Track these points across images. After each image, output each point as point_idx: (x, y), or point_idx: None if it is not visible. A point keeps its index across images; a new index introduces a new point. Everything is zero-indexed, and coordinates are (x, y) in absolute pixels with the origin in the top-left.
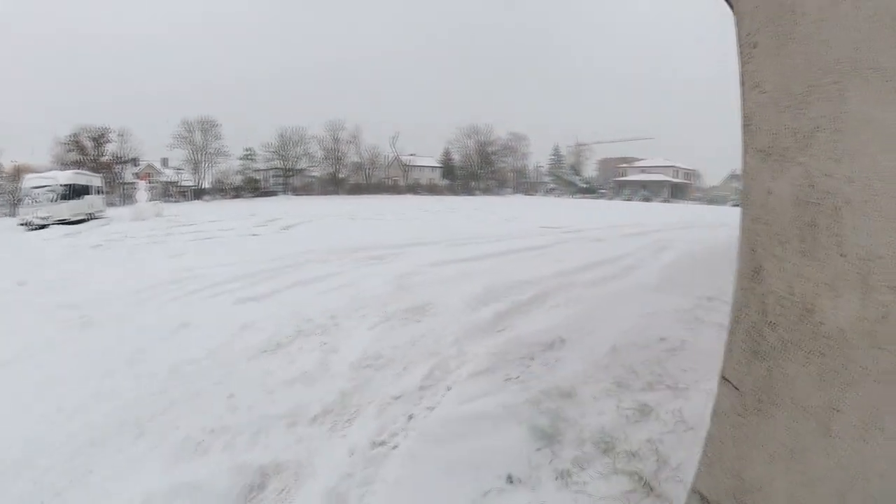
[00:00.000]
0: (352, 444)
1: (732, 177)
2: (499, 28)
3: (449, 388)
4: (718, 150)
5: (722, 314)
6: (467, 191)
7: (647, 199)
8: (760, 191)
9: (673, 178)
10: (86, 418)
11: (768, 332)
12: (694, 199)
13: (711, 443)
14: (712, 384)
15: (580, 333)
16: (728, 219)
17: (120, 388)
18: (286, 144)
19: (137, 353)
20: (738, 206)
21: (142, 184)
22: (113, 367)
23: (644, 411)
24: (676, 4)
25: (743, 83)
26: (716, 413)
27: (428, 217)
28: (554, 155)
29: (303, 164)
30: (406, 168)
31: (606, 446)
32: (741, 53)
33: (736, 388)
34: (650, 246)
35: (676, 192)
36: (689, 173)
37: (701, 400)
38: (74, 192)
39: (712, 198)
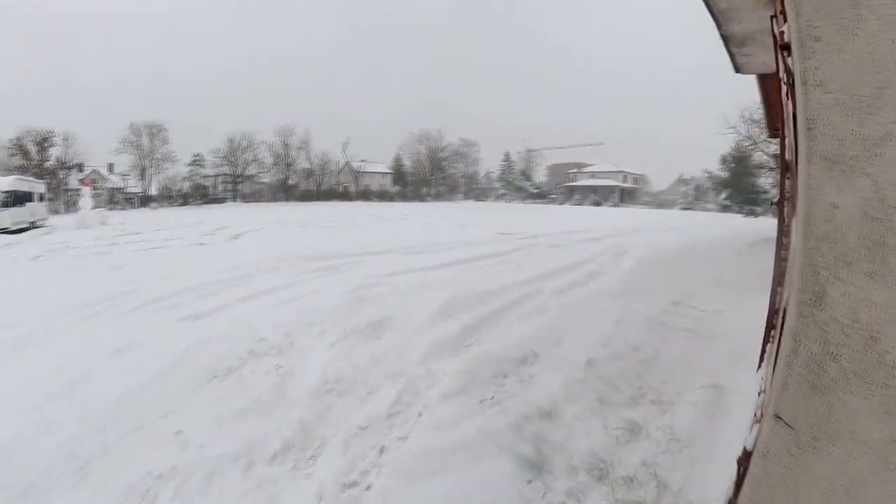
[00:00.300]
0: (319, 486)
1: (680, 181)
2: (451, 36)
3: (420, 414)
4: (666, 155)
5: (689, 319)
6: (418, 197)
7: (597, 204)
8: (824, 205)
9: (622, 182)
10: (17, 461)
11: (830, 364)
12: (643, 204)
13: (758, 486)
14: (695, 395)
15: (552, 346)
16: (675, 223)
17: (58, 422)
18: (235, 150)
19: (78, 380)
20: (687, 209)
21: (86, 190)
22: (49, 396)
23: (633, 430)
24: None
25: (804, 81)
26: (764, 454)
27: (381, 224)
28: (505, 160)
29: (252, 171)
30: (357, 174)
31: (601, 473)
32: (801, 47)
33: (790, 426)
34: (608, 251)
35: (625, 196)
36: (638, 178)
37: (688, 413)
38: (16, 199)
39: (661, 202)
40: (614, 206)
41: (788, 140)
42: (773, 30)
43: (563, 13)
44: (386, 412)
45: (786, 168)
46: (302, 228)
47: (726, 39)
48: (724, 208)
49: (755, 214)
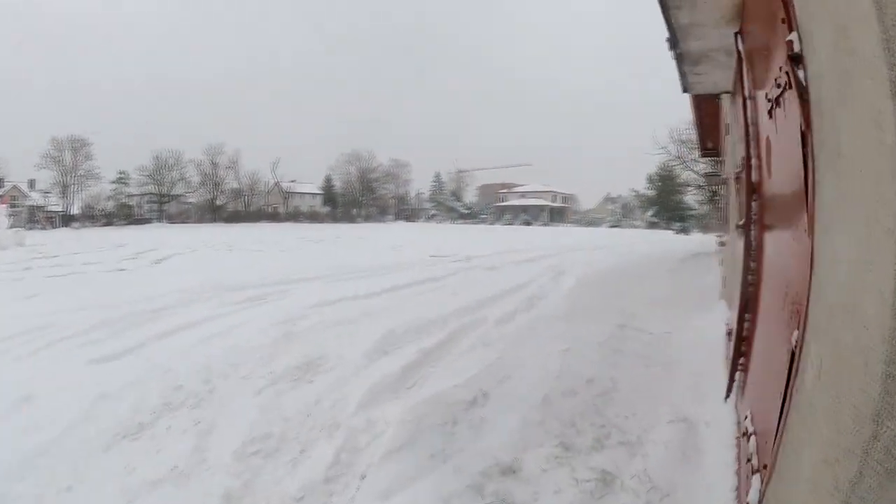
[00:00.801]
0: None
1: (607, 199)
2: (383, 54)
3: (363, 476)
4: (594, 175)
5: (639, 344)
6: (349, 218)
7: (527, 223)
8: None
9: (551, 202)
10: None
11: None
12: (572, 222)
13: None
14: (664, 433)
15: (502, 382)
16: (606, 240)
17: None
18: (161, 168)
19: None
20: (615, 226)
21: (2, 208)
22: None
23: (606, 481)
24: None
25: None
26: None
27: (311, 247)
28: (435, 181)
29: (179, 190)
30: (286, 195)
31: None
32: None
33: None
34: (546, 272)
35: (555, 215)
36: (567, 197)
37: (661, 455)
38: None
39: (589, 220)
40: (544, 224)
41: (758, 161)
42: (736, 46)
43: (497, 35)
44: (323, 476)
45: (752, 189)
46: (229, 252)
47: (680, 57)
48: (652, 225)
49: (686, 231)
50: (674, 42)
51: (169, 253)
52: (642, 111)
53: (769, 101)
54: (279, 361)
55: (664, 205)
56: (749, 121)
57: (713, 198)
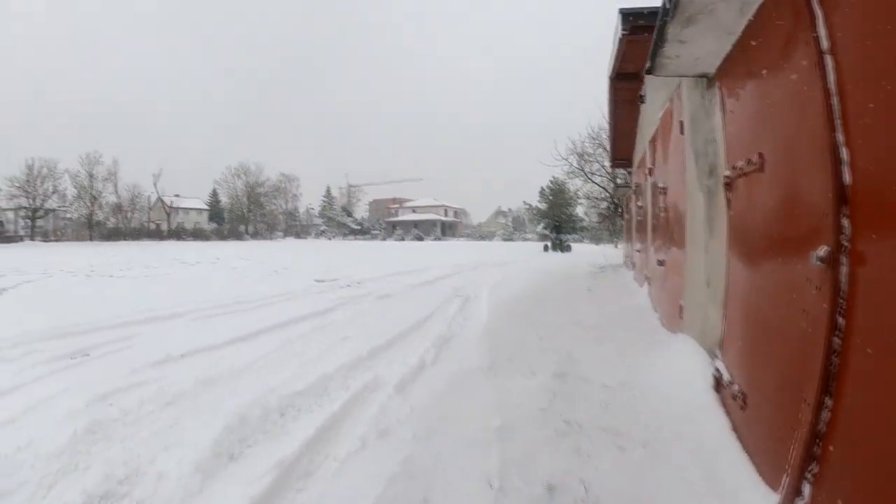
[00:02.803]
0: None
1: (498, 213)
2: (280, 67)
3: None
4: (484, 188)
5: (596, 408)
6: (236, 235)
7: (419, 238)
8: None
9: (443, 216)
10: None
11: None
12: (464, 236)
13: None
14: None
15: None
16: (503, 254)
17: None
18: (34, 179)
19: None
20: (508, 240)
21: None
22: None
23: None
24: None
25: None
26: None
27: (182, 272)
28: (326, 196)
29: (53, 204)
30: (170, 210)
31: None
32: None
33: None
34: (450, 299)
35: (447, 229)
36: (458, 211)
37: None
38: None
39: (482, 234)
40: (436, 239)
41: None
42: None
43: (391, 51)
44: None
45: (840, 195)
46: (86, 279)
47: (668, 13)
48: (543, 237)
49: (558, 247)
50: None
51: (15, 281)
52: (536, 128)
53: None
54: (64, 492)
55: (555, 217)
56: (833, 88)
57: (616, 210)
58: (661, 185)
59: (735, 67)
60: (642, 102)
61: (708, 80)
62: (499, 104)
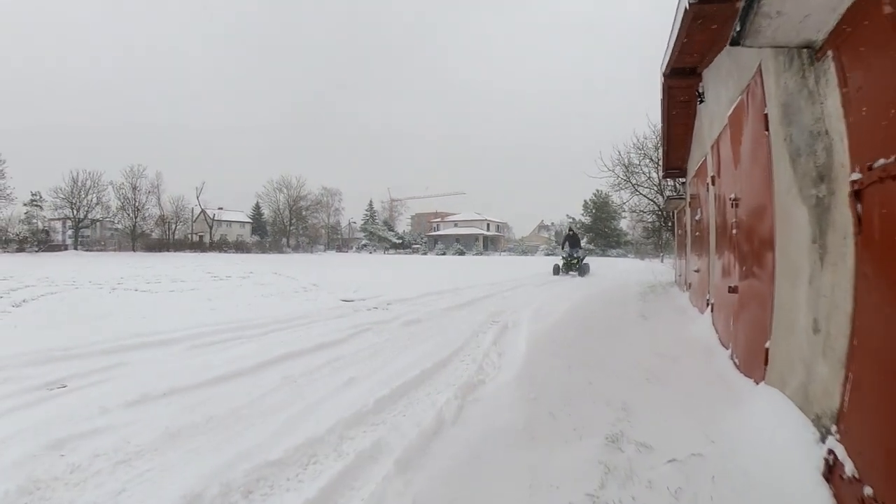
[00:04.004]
0: None
1: (541, 227)
2: (325, 80)
3: None
4: (527, 204)
5: (654, 488)
6: (277, 248)
7: (461, 253)
8: None
9: (485, 230)
10: None
11: None
12: (506, 251)
13: None
14: None
15: None
16: (545, 270)
17: None
18: (78, 191)
19: None
20: (550, 254)
21: None
22: None
23: None
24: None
25: None
26: None
27: (209, 287)
28: (368, 210)
29: (97, 215)
30: (213, 223)
31: None
32: None
33: None
34: (485, 327)
35: (489, 244)
36: (501, 225)
37: None
38: None
39: (524, 248)
40: (478, 253)
41: None
42: None
43: (434, 73)
44: None
45: None
46: (111, 292)
47: None
48: (588, 252)
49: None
50: None
51: (43, 291)
52: (581, 142)
53: None
54: None
55: (599, 231)
56: None
57: (665, 223)
58: (731, 196)
59: (863, 25)
60: (701, 101)
61: (813, 53)
62: (543, 119)
